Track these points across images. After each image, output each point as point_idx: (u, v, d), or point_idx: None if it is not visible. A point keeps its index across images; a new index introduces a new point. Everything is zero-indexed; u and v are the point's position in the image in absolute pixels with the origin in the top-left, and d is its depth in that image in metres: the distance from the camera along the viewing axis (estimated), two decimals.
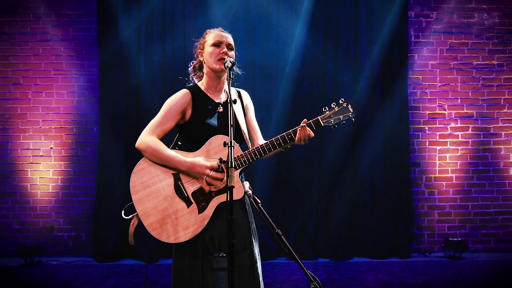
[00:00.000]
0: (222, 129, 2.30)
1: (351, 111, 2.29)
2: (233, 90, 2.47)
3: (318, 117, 2.28)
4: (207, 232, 2.26)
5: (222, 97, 2.44)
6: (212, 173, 2.22)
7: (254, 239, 2.38)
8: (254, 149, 2.27)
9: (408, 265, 5.04)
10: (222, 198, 2.24)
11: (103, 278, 4.61)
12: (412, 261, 5.26)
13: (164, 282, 4.45)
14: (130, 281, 4.50)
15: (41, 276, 4.70)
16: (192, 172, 2.24)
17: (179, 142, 2.38)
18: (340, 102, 2.29)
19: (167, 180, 2.27)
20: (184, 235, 2.22)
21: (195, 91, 2.38)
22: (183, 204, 2.24)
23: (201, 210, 2.23)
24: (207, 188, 2.23)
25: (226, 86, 2.44)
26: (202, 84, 2.43)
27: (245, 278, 2.29)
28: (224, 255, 2.25)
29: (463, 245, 5.33)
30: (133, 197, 2.26)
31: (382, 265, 5.06)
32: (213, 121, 2.34)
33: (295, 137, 2.25)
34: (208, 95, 2.40)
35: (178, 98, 2.34)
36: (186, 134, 2.37)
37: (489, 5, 5.64)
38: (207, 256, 2.27)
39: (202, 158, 2.26)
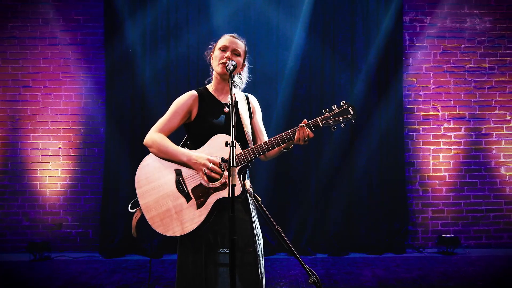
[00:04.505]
0: (226, 129, 2.31)
1: (351, 113, 2.27)
2: (242, 95, 2.55)
3: (317, 118, 2.27)
4: (211, 228, 2.28)
5: (229, 99, 2.50)
6: (210, 165, 2.23)
7: (258, 237, 2.38)
8: (253, 147, 2.27)
9: (403, 261, 5.09)
10: (221, 194, 2.25)
11: (110, 273, 4.68)
12: (406, 256, 5.32)
13: (168, 277, 4.51)
14: (136, 276, 4.57)
15: (50, 271, 4.77)
16: (193, 164, 2.27)
17: (187, 142, 2.47)
18: (341, 104, 2.27)
19: (169, 176, 2.31)
20: (182, 229, 2.24)
21: (203, 92, 2.45)
22: (183, 199, 2.27)
23: (199, 205, 2.25)
24: (206, 180, 2.25)
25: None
26: (210, 86, 2.50)
27: (247, 276, 2.29)
28: (227, 251, 2.25)
29: (456, 241, 5.40)
30: (137, 191, 2.32)
31: (378, 261, 5.12)
32: (218, 120, 2.38)
33: (293, 138, 2.25)
34: (215, 96, 2.46)
35: (185, 98, 2.43)
36: (193, 133, 2.44)
37: (481, 10, 5.72)
38: (210, 252, 2.29)
39: (204, 153, 2.31)
